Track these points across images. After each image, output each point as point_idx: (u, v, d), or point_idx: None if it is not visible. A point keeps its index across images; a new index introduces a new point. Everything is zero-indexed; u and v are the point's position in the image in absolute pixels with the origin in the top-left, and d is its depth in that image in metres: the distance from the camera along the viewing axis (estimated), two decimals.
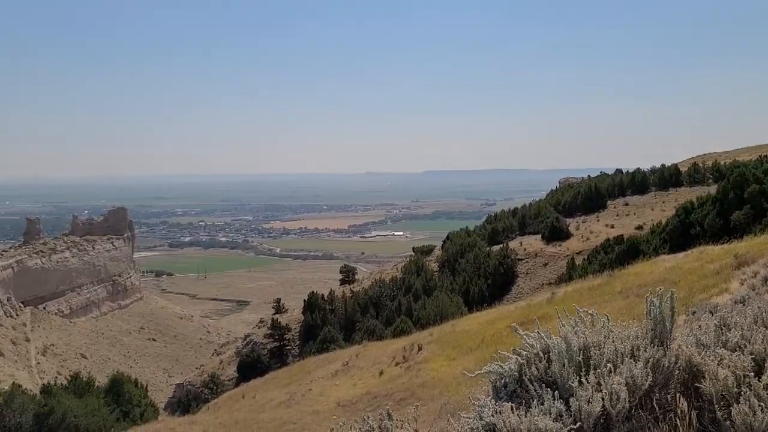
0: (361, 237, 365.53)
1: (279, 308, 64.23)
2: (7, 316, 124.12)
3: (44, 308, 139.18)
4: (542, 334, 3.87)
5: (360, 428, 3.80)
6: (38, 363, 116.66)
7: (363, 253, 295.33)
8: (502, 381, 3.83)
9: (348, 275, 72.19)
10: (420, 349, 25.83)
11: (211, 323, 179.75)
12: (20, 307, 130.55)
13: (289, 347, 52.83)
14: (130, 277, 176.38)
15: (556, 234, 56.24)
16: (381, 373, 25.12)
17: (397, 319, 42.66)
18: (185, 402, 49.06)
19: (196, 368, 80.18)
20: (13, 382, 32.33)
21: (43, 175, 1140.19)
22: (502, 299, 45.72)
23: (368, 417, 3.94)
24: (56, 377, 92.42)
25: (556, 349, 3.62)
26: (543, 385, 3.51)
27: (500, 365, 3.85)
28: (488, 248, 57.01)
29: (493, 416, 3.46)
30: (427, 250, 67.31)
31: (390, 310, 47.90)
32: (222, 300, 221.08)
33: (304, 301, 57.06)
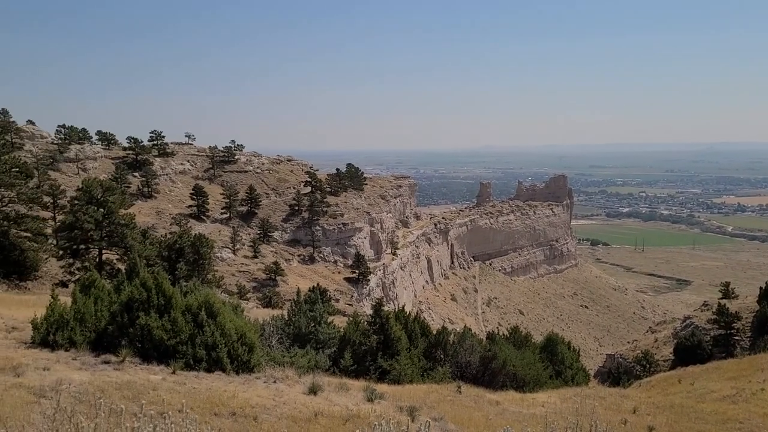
0: None
1: (727, 293, 57.69)
2: (461, 268, 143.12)
3: (490, 264, 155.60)
4: None
5: None
6: (483, 312, 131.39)
7: None
8: None
9: None
10: None
11: (647, 299, 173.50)
12: (471, 261, 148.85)
13: (737, 337, 46.76)
14: (567, 243, 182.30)
15: None
16: None
17: None
18: (615, 374, 48.28)
19: (629, 342, 78.47)
20: (465, 325, 36.74)
21: (491, 144, 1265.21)
22: None
23: None
24: (497, 327, 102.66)
25: None
26: None
27: None
28: None
29: None
30: None
31: None
32: (660, 276, 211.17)
33: (761, 288, 49.50)
